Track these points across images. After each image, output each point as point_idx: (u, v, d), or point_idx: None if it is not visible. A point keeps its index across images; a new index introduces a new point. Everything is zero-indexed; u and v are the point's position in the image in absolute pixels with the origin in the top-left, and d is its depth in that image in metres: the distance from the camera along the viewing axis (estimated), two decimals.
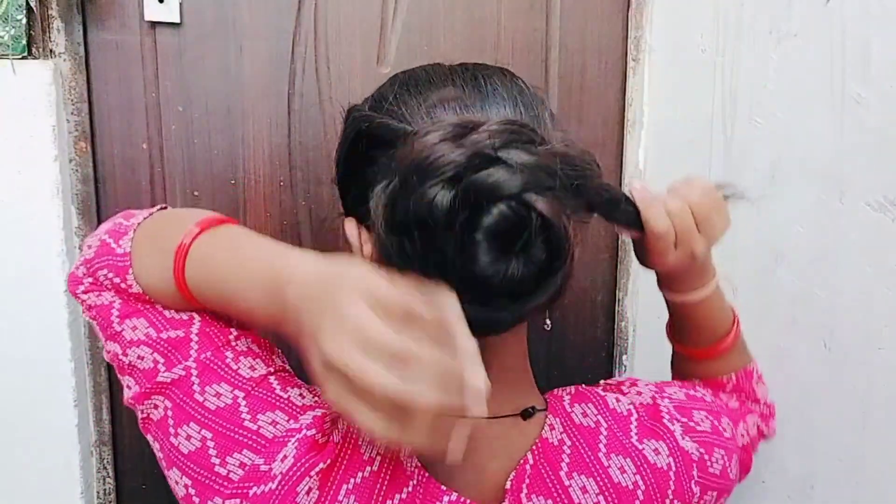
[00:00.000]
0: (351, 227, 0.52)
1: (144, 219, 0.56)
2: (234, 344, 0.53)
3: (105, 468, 0.91)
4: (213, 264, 0.50)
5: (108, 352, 0.54)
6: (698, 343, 0.69)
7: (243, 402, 0.50)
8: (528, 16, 1.00)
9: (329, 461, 0.50)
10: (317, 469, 0.49)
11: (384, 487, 0.50)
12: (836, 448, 0.91)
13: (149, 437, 0.54)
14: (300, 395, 0.53)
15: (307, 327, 0.41)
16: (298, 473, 0.48)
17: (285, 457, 0.48)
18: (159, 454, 0.53)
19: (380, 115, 0.49)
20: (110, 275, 0.52)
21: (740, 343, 0.70)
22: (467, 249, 0.40)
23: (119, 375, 0.54)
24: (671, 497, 0.55)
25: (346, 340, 0.37)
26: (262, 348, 0.55)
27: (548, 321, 0.57)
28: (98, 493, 0.91)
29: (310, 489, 0.49)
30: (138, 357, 0.52)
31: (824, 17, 0.87)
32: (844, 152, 0.87)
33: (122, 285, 0.52)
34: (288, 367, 0.56)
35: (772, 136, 0.93)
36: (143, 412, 0.53)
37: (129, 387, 0.53)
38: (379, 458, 0.51)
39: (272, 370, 0.53)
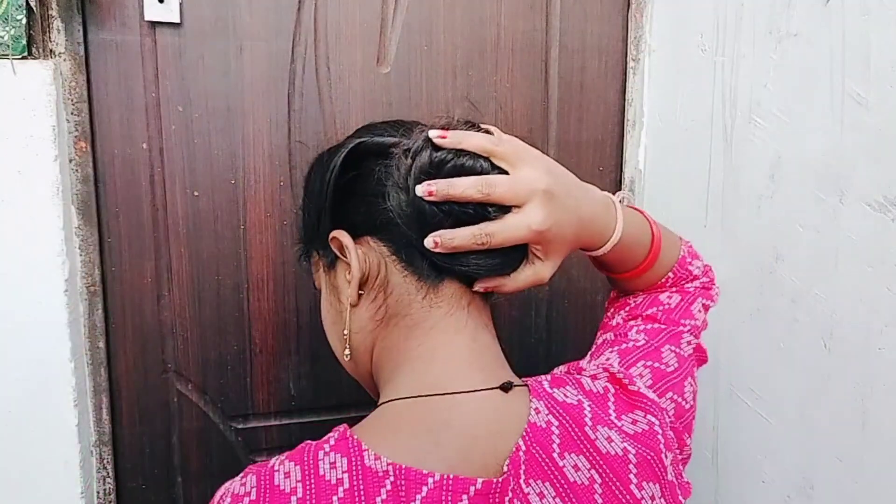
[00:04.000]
0: (345, 237, 0.60)
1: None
2: None
3: (105, 468, 0.91)
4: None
5: None
6: (624, 269, 0.70)
7: None
8: (528, 16, 1.00)
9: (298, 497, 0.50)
10: None
11: (362, 498, 0.50)
12: (836, 448, 0.91)
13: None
14: None
15: None
16: None
17: None
18: None
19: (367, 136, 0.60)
20: None
21: (665, 243, 0.70)
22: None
23: None
24: (664, 451, 0.56)
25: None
26: None
27: None
28: (98, 493, 0.91)
29: None
30: None
31: (824, 17, 0.87)
32: (844, 152, 0.87)
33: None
34: None
35: (772, 135, 0.93)
36: None
37: None
38: (346, 475, 0.51)
39: None
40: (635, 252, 0.68)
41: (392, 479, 0.51)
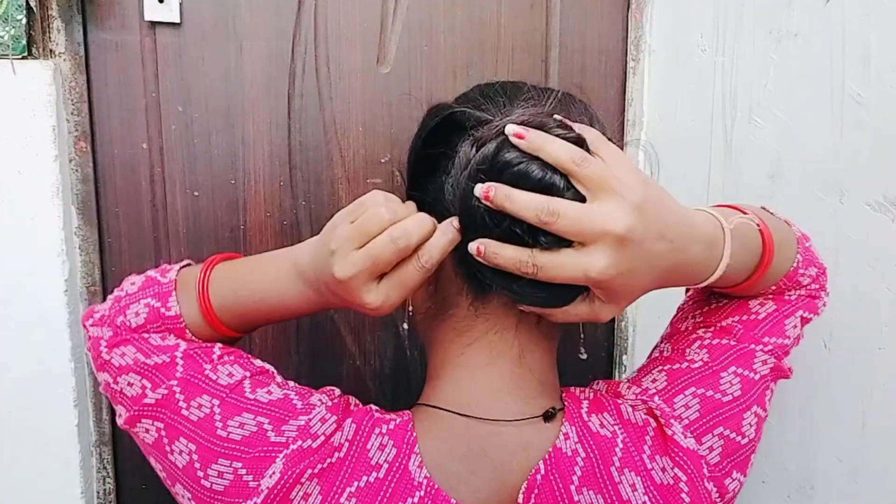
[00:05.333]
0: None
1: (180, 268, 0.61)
2: (214, 356, 0.56)
3: (105, 468, 0.91)
4: (237, 279, 0.57)
5: (100, 382, 0.58)
6: (717, 286, 0.59)
7: (217, 410, 0.52)
8: (528, 16, 1.00)
9: (329, 462, 0.50)
10: (307, 474, 0.50)
11: (388, 494, 0.50)
12: (836, 448, 0.91)
13: (150, 460, 0.57)
14: (267, 392, 0.54)
15: (328, 282, 0.51)
16: (288, 484, 0.50)
17: (273, 473, 0.50)
18: (162, 473, 0.56)
19: (466, 107, 0.55)
20: (152, 302, 0.56)
21: (778, 260, 0.58)
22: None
23: (113, 405, 0.58)
24: None
25: (342, 255, 0.49)
26: (241, 356, 0.58)
27: (583, 349, 0.58)
28: (98, 493, 0.91)
29: (307, 494, 0.50)
30: (128, 384, 0.55)
31: (824, 17, 0.87)
32: (844, 152, 0.87)
33: (162, 310, 0.56)
34: (269, 369, 0.58)
35: (772, 136, 0.93)
36: (137, 436, 0.56)
37: (120, 415, 0.56)
38: (387, 465, 0.51)
39: (248, 374, 0.55)
40: (735, 277, 0.57)
41: (422, 493, 0.51)
